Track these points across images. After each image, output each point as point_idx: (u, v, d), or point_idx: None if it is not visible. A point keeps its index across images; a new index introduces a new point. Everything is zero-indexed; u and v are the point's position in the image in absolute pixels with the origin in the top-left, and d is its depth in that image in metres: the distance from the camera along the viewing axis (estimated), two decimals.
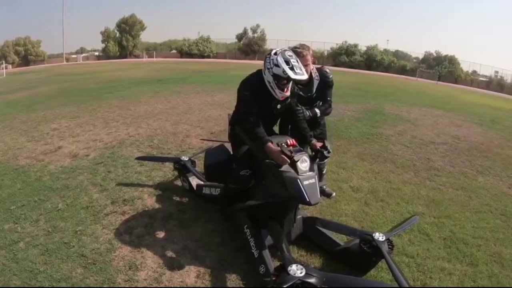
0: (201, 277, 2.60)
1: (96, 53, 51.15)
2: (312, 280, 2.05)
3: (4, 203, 3.72)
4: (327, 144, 2.77)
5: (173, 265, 2.72)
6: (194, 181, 3.81)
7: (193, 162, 4.06)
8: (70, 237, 3.06)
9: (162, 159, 4.72)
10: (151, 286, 2.45)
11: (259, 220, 2.82)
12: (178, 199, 3.84)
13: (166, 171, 4.54)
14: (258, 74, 2.77)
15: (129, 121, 7.39)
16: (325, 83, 3.43)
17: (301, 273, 2.07)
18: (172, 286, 2.44)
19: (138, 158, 4.78)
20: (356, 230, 2.83)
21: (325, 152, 2.70)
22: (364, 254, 2.53)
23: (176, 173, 4.26)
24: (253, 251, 2.59)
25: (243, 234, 2.77)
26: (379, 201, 4.02)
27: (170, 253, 2.87)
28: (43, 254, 2.83)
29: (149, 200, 3.77)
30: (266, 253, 2.53)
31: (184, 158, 4.03)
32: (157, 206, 3.67)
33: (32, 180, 4.31)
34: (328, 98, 3.48)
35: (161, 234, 3.14)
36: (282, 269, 2.17)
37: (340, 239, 2.98)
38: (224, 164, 3.36)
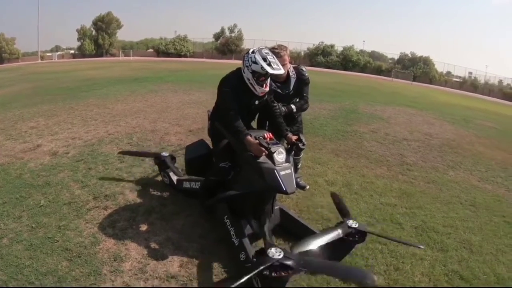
0: (184, 266, 2.71)
1: (72, 51, 50.13)
2: (290, 262, 2.19)
3: None
4: (302, 137, 2.94)
5: (157, 256, 2.82)
6: (175, 176, 3.91)
7: (173, 158, 4.16)
8: (54, 232, 3.10)
9: (144, 154, 4.80)
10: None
11: (239, 211, 2.96)
12: (159, 193, 3.93)
13: (146, 167, 4.62)
14: (238, 72, 2.93)
15: (107, 119, 7.37)
16: (302, 81, 3.65)
17: (279, 255, 2.21)
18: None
19: (121, 152, 4.85)
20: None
21: (300, 145, 2.88)
22: (339, 240, 2.70)
23: (156, 168, 4.33)
24: (233, 240, 2.72)
25: (224, 224, 2.90)
26: (353, 194, 4.23)
27: (153, 245, 2.97)
28: (27, 249, 2.86)
29: (130, 195, 3.84)
30: (246, 241, 2.66)
31: (165, 153, 4.13)
32: (138, 200, 3.74)
33: (13, 177, 4.29)
34: (305, 95, 3.70)
35: (143, 227, 3.23)
36: (262, 252, 2.31)
37: (316, 228, 3.15)
38: (204, 158, 3.47)
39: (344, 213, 3.01)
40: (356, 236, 2.70)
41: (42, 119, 7.31)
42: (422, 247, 3.10)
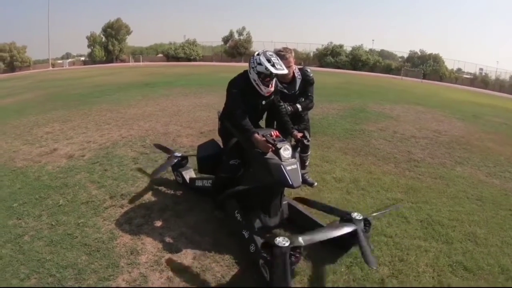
0: (197, 259, 2.85)
1: (82, 58, 50.84)
2: (299, 242, 2.34)
3: (6, 201, 3.90)
4: (307, 134, 3.14)
5: (171, 249, 2.97)
6: (187, 175, 4.06)
7: (184, 158, 4.32)
8: (73, 229, 3.28)
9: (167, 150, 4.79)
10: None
11: (248, 206, 3.10)
12: (172, 192, 4.09)
13: None
14: (245, 74, 3.11)
15: (120, 123, 7.58)
16: (306, 81, 3.83)
17: (287, 241, 2.34)
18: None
19: (155, 145, 5.11)
20: (337, 210, 3.11)
21: (305, 141, 3.05)
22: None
23: (169, 169, 4.48)
24: (243, 232, 2.87)
25: (234, 218, 3.05)
26: (360, 190, 4.32)
27: (168, 239, 3.12)
28: (48, 245, 3.03)
29: (145, 194, 4.01)
30: (256, 233, 2.80)
31: (177, 154, 4.28)
32: (153, 199, 3.91)
33: (31, 180, 4.50)
34: (309, 94, 3.87)
35: (158, 223, 3.39)
36: (270, 245, 2.43)
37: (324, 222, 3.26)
38: (215, 156, 3.62)
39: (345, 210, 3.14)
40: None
41: (57, 125, 7.56)
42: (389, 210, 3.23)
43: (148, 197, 3.96)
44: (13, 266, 2.76)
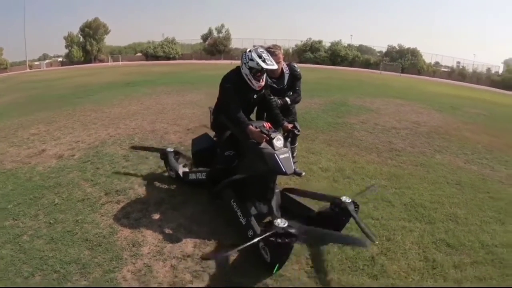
0: (197, 247, 3.00)
1: (60, 59, 49.73)
2: (293, 230, 2.51)
3: None
4: (297, 125, 3.35)
5: (172, 239, 3.10)
6: (181, 169, 4.18)
7: (177, 153, 4.43)
8: (72, 226, 3.34)
9: (154, 150, 4.97)
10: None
11: (244, 195, 3.26)
12: (167, 186, 4.20)
13: (152, 164, 4.87)
14: (237, 69, 3.28)
15: (106, 122, 7.58)
16: (294, 76, 4.05)
17: (284, 224, 2.53)
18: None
19: (133, 147, 5.21)
20: (327, 196, 3.32)
21: (295, 131, 3.26)
22: (335, 215, 3.02)
23: (162, 164, 4.60)
24: (241, 220, 3.03)
25: (231, 207, 3.20)
26: (346, 178, 4.55)
27: (167, 230, 3.25)
28: (49, 243, 3.07)
29: (140, 190, 4.10)
30: (253, 219, 2.96)
31: (170, 149, 4.40)
32: (148, 194, 4.01)
33: (23, 181, 4.49)
34: (297, 88, 4.11)
35: (156, 216, 3.51)
36: (269, 223, 2.64)
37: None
38: (209, 149, 3.77)
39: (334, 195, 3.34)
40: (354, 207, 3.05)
41: (42, 126, 7.49)
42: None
43: (143, 192, 4.06)
44: (16, 266, 2.78)
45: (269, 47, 3.74)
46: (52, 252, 2.94)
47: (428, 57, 47.41)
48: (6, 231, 3.31)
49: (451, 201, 4.08)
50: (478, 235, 3.35)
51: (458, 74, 43.29)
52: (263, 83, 3.28)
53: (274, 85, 3.90)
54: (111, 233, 3.21)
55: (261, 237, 2.46)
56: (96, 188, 4.16)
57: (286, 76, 4.01)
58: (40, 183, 4.39)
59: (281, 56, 3.86)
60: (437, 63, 49.26)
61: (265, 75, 3.30)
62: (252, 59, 3.09)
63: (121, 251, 2.94)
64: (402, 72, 38.24)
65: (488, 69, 46.75)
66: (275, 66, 3.23)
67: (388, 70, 38.19)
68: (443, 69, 47.09)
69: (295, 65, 4.13)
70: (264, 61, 3.08)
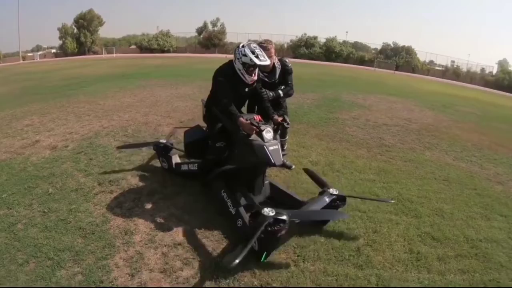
0: (188, 236, 3.07)
1: (53, 51, 49.17)
2: (283, 217, 2.61)
3: None
4: (287, 118, 3.45)
5: (163, 228, 3.17)
6: (173, 161, 4.25)
7: (169, 145, 4.49)
8: (66, 215, 3.39)
9: (142, 145, 5.07)
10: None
11: (234, 185, 3.36)
12: (159, 177, 4.26)
13: (144, 156, 4.93)
14: (230, 63, 3.34)
15: (100, 114, 7.60)
16: (285, 70, 4.17)
17: (272, 213, 2.62)
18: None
19: (119, 147, 5.13)
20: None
21: (285, 124, 3.34)
22: (324, 207, 3.13)
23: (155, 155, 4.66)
24: (230, 209, 3.12)
25: (221, 198, 3.29)
26: (335, 172, 4.65)
27: (159, 219, 3.32)
28: (43, 231, 3.12)
29: (133, 180, 4.16)
30: (242, 209, 3.06)
31: (162, 141, 4.46)
32: (141, 184, 4.08)
33: (17, 171, 4.52)
34: (289, 82, 4.22)
35: (148, 206, 3.58)
36: (257, 213, 2.71)
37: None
38: (201, 141, 3.84)
39: (322, 183, 3.49)
40: (338, 201, 3.16)
41: (36, 117, 7.49)
42: (392, 201, 3.66)
43: (136, 182, 4.12)
44: (10, 253, 2.81)
45: (261, 42, 3.83)
46: (46, 240, 2.99)
47: (423, 56, 47.69)
48: (1, 220, 3.34)
49: (438, 196, 4.19)
50: (463, 230, 3.46)
51: (452, 73, 43.53)
52: (255, 77, 3.36)
53: (266, 79, 4.00)
54: (104, 222, 3.27)
55: (259, 232, 2.52)
56: (89, 178, 4.21)
57: (278, 71, 4.13)
58: (34, 173, 4.42)
59: (273, 51, 3.96)
60: (431, 62, 49.51)
61: (257, 69, 3.36)
62: (245, 55, 3.15)
63: (113, 239, 3.01)
64: (397, 69, 38.42)
65: (482, 69, 47.09)
66: (268, 62, 3.30)
67: (382, 67, 38.36)
68: (437, 68, 47.33)
69: (287, 60, 4.24)
70: (257, 56, 3.14)
